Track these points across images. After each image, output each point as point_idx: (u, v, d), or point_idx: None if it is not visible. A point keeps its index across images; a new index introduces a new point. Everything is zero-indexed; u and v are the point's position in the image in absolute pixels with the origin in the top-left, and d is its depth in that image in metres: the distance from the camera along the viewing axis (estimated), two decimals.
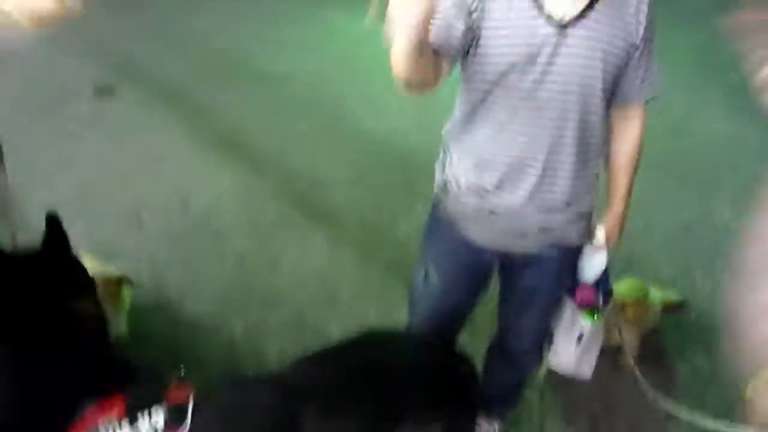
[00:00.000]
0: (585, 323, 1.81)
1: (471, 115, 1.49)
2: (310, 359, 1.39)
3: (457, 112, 1.56)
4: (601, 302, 1.80)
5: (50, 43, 4.62)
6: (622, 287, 2.39)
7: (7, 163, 1.91)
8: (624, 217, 1.71)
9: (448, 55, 1.35)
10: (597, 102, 1.43)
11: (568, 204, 1.54)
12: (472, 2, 1.33)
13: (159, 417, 1.04)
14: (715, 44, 4.24)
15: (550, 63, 1.35)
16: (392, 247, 3.08)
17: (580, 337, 1.86)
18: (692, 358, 2.66)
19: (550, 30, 1.33)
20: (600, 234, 1.70)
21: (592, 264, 1.73)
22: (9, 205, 1.99)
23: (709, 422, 2.11)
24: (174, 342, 2.50)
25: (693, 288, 2.97)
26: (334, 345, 1.50)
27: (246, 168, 3.59)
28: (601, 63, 1.37)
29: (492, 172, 1.50)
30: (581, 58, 1.36)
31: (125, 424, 1.02)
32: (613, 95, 1.48)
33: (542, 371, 2.42)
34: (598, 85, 1.40)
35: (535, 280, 1.71)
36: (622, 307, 2.33)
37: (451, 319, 1.89)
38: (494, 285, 1.86)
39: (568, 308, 1.82)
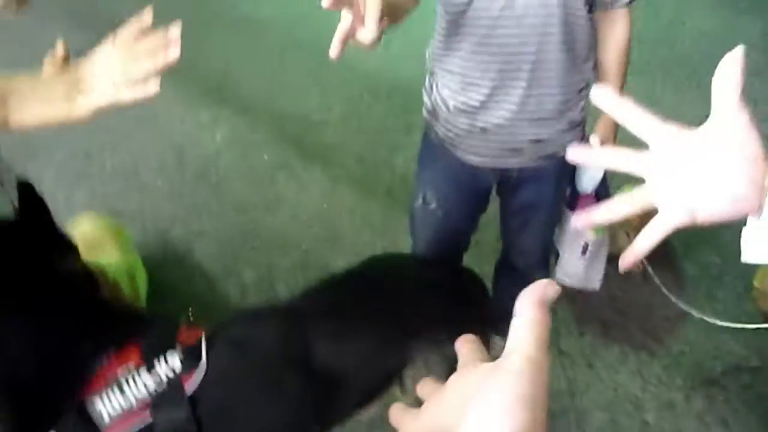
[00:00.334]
0: (589, 235, 1.82)
1: (449, 36, 1.46)
2: (318, 287, 1.41)
3: (436, 34, 1.52)
4: None
5: (31, 13, 4.54)
6: (627, 192, 2.40)
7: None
8: (617, 124, 1.69)
9: None
10: (579, 6, 1.39)
11: (560, 113, 1.52)
12: None
13: (175, 360, 1.06)
14: None
15: None
16: (391, 180, 3.08)
17: (585, 249, 1.87)
18: (700, 256, 2.69)
19: None
20: (594, 143, 1.69)
21: (589, 174, 1.71)
22: (4, 176, 1.99)
23: (719, 319, 2.15)
24: (185, 293, 2.54)
25: None
26: (342, 272, 1.51)
27: (238, 117, 3.56)
28: None
29: (477, 89, 1.47)
30: None
31: (143, 371, 1.05)
32: None
33: None
34: None
35: (533, 194, 1.71)
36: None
37: (453, 242, 1.90)
38: (495, 206, 1.86)
39: (571, 221, 1.82)
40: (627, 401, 2.20)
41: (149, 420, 1.01)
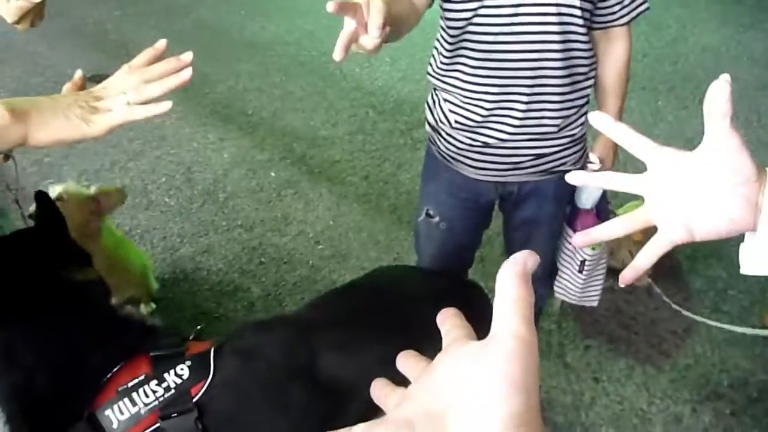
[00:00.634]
0: (587, 251, 1.83)
1: (451, 52, 1.49)
2: (324, 298, 1.43)
3: (438, 51, 1.55)
4: None
5: (38, 34, 4.62)
6: (630, 209, 2.41)
7: (15, 155, 1.96)
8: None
9: None
10: (577, 27, 1.41)
11: (560, 128, 1.54)
12: None
13: (184, 372, 1.08)
14: None
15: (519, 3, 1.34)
16: (397, 196, 3.11)
17: (582, 266, 1.88)
18: (706, 269, 2.70)
19: None
20: (594, 159, 1.70)
21: (588, 191, 1.72)
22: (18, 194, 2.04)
23: (725, 326, 2.15)
24: (193, 309, 2.57)
25: None
26: (347, 284, 1.53)
27: (245, 136, 3.61)
28: None
29: (479, 105, 1.50)
30: None
31: (153, 381, 1.07)
32: (593, 17, 1.46)
33: (557, 302, 2.46)
34: (576, 11, 1.38)
35: (534, 209, 1.72)
36: None
37: (458, 257, 1.91)
38: (499, 222, 1.88)
39: (569, 237, 1.83)
40: (633, 415, 2.20)
41: (158, 428, 1.03)
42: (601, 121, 0.77)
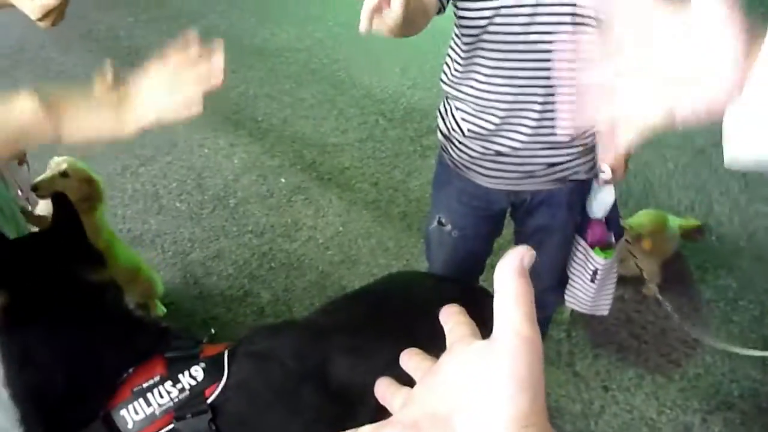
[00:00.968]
0: (598, 260, 1.82)
1: (465, 61, 1.49)
2: (336, 303, 1.44)
3: (452, 59, 1.55)
4: (612, 238, 1.81)
5: (49, 41, 4.66)
6: (641, 219, 2.41)
7: (30, 159, 1.99)
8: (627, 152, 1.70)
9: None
10: (591, 32, 1.41)
11: (573, 137, 1.55)
12: None
13: (199, 373, 1.09)
14: None
15: (537, 3, 1.34)
16: (406, 203, 3.11)
17: (594, 275, 1.87)
18: (715, 279, 2.69)
19: None
20: (605, 169, 1.70)
21: (600, 200, 1.71)
22: (31, 201, 2.07)
23: (733, 347, 2.14)
24: (203, 314, 2.58)
25: (711, 211, 2.98)
26: (359, 289, 1.54)
27: (255, 142, 3.62)
28: None
29: (493, 114, 1.50)
30: None
31: (168, 382, 1.08)
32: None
33: (567, 310, 2.46)
34: (591, 16, 1.39)
35: (547, 218, 1.72)
36: (638, 238, 2.34)
37: (469, 264, 1.91)
38: (509, 230, 1.89)
39: (580, 246, 1.83)
40: (643, 424, 2.19)
41: (173, 429, 1.04)
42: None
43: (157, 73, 1.05)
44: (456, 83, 1.55)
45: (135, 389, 1.06)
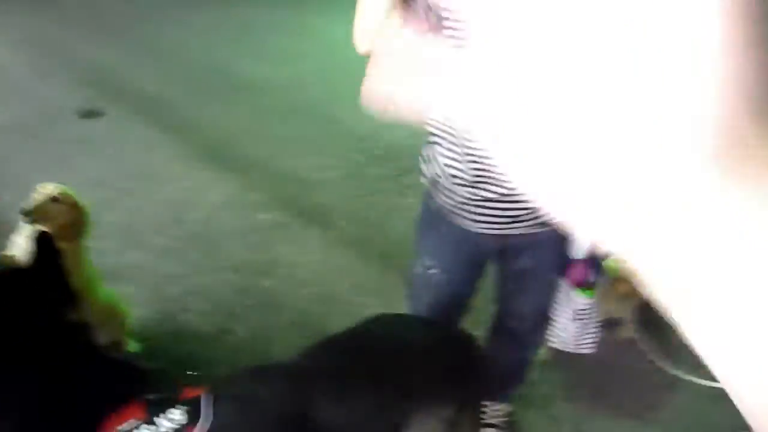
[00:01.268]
0: (580, 300, 1.84)
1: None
2: (319, 346, 1.43)
3: None
4: (593, 278, 1.83)
5: (31, 69, 4.65)
6: (614, 263, 2.44)
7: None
8: None
9: None
10: None
11: None
12: None
13: (177, 416, 1.08)
14: None
15: None
16: (386, 242, 3.12)
17: (576, 315, 1.89)
18: None
19: None
20: None
21: (580, 241, 1.75)
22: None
23: (709, 383, 2.15)
24: (180, 351, 2.54)
25: None
26: (342, 331, 1.53)
27: (236, 177, 3.62)
28: None
29: (479, 161, 1.51)
30: None
31: (147, 426, 1.06)
32: None
33: (543, 351, 2.47)
34: None
35: (530, 261, 1.74)
36: (614, 282, 2.37)
37: (453, 307, 1.91)
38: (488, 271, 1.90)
39: (563, 286, 1.85)
40: None
41: None
42: None
43: None
44: (442, 130, 1.57)
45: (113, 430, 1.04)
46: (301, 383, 1.21)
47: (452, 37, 1.16)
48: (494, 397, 2.22)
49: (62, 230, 2.04)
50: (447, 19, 1.27)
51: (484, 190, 1.55)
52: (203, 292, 2.84)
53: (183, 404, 1.10)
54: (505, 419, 2.22)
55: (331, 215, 3.31)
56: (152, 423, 1.07)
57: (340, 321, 2.66)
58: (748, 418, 0.26)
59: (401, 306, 2.01)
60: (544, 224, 1.63)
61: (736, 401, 0.24)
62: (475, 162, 1.52)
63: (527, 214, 1.59)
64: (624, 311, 2.39)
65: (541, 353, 2.47)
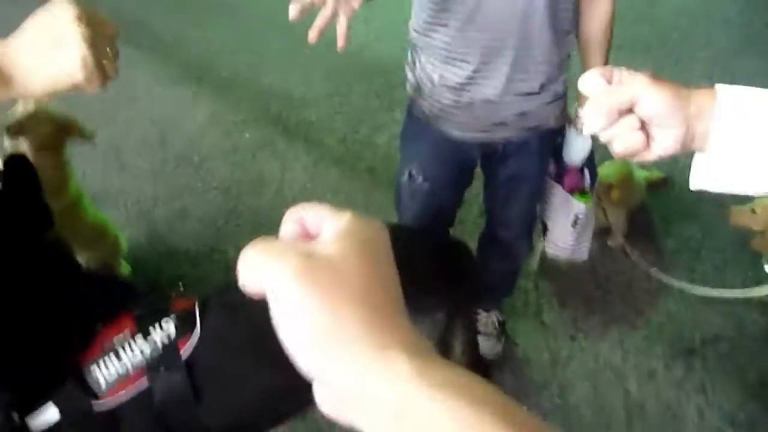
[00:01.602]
0: (579, 205, 1.83)
1: (436, 11, 1.46)
2: None
3: (421, 9, 1.51)
4: (588, 184, 1.83)
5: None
6: (607, 170, 2.42)
7: None
8: None
9: None
10: None
11: (543, 86, 1.54)
12: None
13: (170, 326, 1.07)
14: None
15: None
16: (373, 158, 3.08)
17: (575, 221, 1.89)
18: (680, 231, 2.74)
19: None
20: (582, 114, 1.70)
21: (578, 147, 1.72)
22: None
23: (698, 289, 2.19)
24: (169, 272, 2.54)
25: (675, 163, 3.01)
26: None
27: (219, 96, 3.54)
28: None
29: (463, 65, 1.48)
30: None
31: (138, 337, 1.05)
32: None
33: (535, 260, 2.49)
34: None
35: (517, 167, 1.73)
36: (608, 189, 2.37)
37: (440, 216, 1.91)
38: (476, 183, 1.88)
39: (559, 194, 1.84)
40: (609, 371, 2.24)
41: (146, 385, 1.02)
42: (592, 85, 0.81)
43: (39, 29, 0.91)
44: (426, 32, 1.52)
45: (105, 347, 1.04)
46: None
47: None
48: (486, 305, 2.25)
49: (45, 141, 2.01)
50: None
51: (469, 96, 1.52)
52: (191, 213, 2.82)
53: (176, 315, 1.09)
54: (498, 327, 2.25)
55: (318, 133, 3.26)
56: (146, 333, 1.07)
57: None
58: None
59: (391, 221, 2.01)
60: (530, 129, 1.61)
61: None
62: (461, 63, 1.48)
63: (512, 118, 1.56)
64: (614, 219, 2.39)
65: (532, 263, 2.49)
